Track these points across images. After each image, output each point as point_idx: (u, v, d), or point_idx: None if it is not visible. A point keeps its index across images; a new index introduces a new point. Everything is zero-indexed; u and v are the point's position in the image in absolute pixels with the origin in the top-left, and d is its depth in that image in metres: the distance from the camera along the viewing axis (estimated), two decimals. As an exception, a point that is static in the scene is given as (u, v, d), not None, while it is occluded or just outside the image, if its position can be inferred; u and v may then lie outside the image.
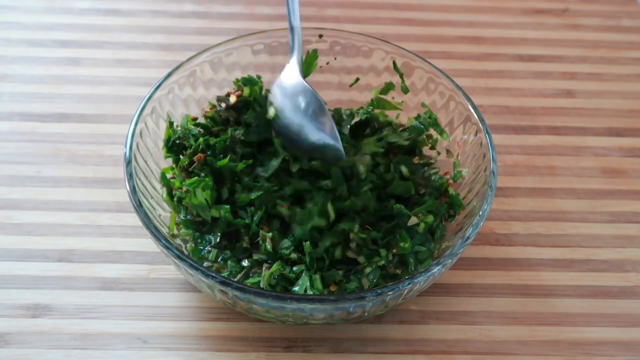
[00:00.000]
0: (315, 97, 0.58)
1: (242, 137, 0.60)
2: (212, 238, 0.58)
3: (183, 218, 0.58)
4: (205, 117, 0.62)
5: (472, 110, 0.60)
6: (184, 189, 0.58)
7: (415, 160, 0.62)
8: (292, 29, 0.61)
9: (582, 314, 0.60)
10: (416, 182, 0.60)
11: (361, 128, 0.64)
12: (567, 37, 0.84)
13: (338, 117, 0.64)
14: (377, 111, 0.65)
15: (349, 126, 0.63)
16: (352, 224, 0.57)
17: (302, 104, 0.59)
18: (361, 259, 0.56)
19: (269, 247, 0.56)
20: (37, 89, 0.74)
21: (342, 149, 0.58)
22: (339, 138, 0.58)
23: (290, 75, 0.60)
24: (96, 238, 0.62)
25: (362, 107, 0.65)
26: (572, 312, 0.60)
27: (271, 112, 0.60)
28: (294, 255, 0.56)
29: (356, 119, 0.64)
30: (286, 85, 0.60)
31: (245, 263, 0.57)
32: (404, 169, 0.60)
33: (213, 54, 0.64)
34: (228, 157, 0.59)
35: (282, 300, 0.50)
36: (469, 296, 0.60)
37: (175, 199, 0.59)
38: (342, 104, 0.67)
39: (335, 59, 0.67)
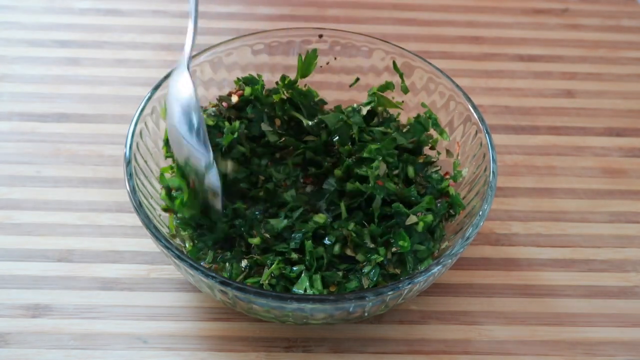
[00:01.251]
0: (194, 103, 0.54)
1: (245, 131, 0.61)
2: (209, 241, 0.58)
3: (178, 221, 0.58)
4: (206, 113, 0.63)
5: (472, 110, 0.60)
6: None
7: (420, 159, 0.62)
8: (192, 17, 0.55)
9: (582, 314, 0.60)
10: (417, 182, 0.61)
11: (370, 117, 0.65)
12: (567, 37, 0.84)
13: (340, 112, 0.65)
14: (379, 108, 0.65)
15: (362, 114, 0.63)
16: (347, 222, 0.57)
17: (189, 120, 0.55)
18: (360, 257, 0.56)
19: (257, 257, 0.56)
20: (37, 89, 0.74)
21: (208, 157, 0.54)
22: (208, 144, 0.54)
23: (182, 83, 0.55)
24: (96, 238, 0.62)
25: (363, 102, 0.65)
26: (572, 312, 0.60)
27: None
28: (294, 255, 0.56)
29: (367, 108, 0.64)
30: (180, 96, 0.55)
31: (244, 264, 0.57)
32: (410, 170, 0.60)
33: (213, 54, 0.64)
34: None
35: (282, 300, 0.50)
36: (469, 296, 0.60)
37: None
38: (342, 104, 0.66)
39: (335, 59, 0.67)
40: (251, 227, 0.57)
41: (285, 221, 0.57)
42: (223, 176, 0.59)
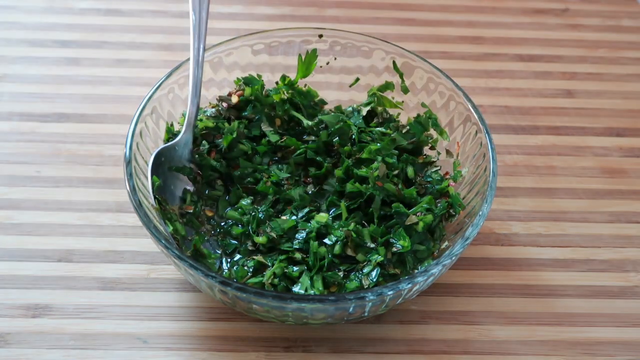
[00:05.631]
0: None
1: (245, 131, 0.61)
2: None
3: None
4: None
5: (472, 110, 0.60)
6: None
7: (420, 159, 0.62)
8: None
9: (582, 314, 0.60)
10: (417, 182, 0.60)
11: (370, 117, 0.65)
12: (567, 37, 0.84)
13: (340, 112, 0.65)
14: (379, 109, 0.65)
15: (362, 115, 0.63)
16: (347, 222, 0.57)
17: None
18: (360, 257, 0.56)
19: (259, 259, 0.56)
20: (37, 89, 0.74)
21: None
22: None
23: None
24: (96, 238, 0.62)
25: (363, 103, 0.65)
26: (572, 312, 0.60)
27: None
28: (298, 255, 0.56)
29: (367, 108, 0.64)
30: None
31: (250, 264, 0.57)
32: (410, 170, 0.60)
33: (213, 54, 0.64)
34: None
35: (282, 300, 0.50)
36: (469, 296, 0.60)
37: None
38: (342, 104, 0.67)
39: (335, 59, 0.67)
40: (258, 225, 0.58)
41: (294, 218, 0.57)
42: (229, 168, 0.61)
